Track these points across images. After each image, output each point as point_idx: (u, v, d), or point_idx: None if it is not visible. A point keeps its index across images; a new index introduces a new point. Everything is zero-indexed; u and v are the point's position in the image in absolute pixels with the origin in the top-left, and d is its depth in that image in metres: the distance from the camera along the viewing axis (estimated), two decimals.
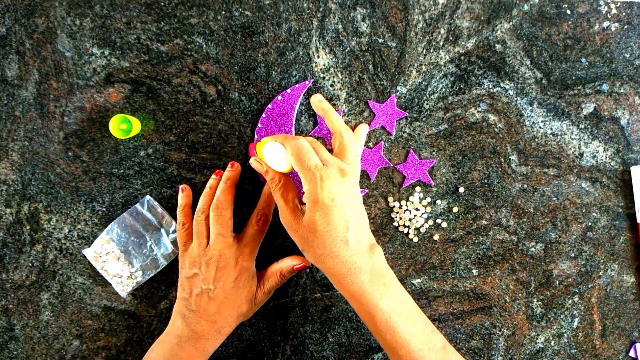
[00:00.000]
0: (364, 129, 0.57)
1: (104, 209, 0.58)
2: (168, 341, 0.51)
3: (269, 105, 0.58)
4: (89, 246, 0.58)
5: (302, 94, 0.58)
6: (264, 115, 0.58)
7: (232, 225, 0.52)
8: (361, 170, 0.59)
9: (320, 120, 0.59)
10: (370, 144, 0.59)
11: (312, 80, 0.58)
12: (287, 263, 0.54)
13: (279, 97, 0.58)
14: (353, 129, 0.59)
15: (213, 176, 0.56)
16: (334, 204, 0.45)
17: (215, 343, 0.51)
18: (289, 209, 0.48)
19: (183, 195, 0.56)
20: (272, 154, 0.49)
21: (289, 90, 0.58)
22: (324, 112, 0.54)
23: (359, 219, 0.47)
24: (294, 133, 0.58)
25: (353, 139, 0.52)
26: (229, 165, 0.55)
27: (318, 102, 0.55)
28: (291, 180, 0.51)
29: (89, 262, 0.58)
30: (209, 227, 0.52)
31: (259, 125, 0.58)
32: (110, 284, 0.58)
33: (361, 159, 0.59)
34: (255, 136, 0.58)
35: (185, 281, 0.52)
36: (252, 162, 0.52)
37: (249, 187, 0.59)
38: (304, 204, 0.48)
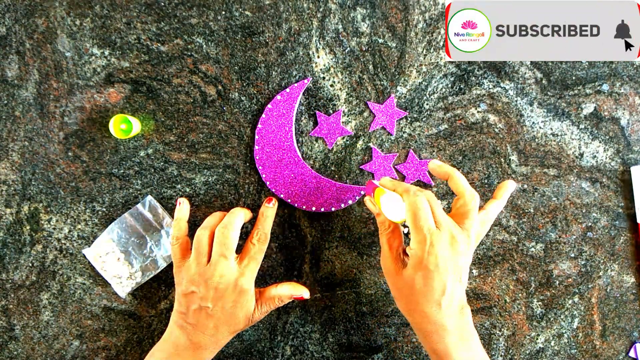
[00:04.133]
0: (508, 188, 0.52)
1: (104, 209, 0.58)
2: (166, 349, 0.51)
3: (269, 105, 0.58)
4: (89, 246, 0.58)
5: (302, 94, 0.58)
6: (264, 115, 0.58)
7: (235, 247, 0.51)
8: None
9: (320, 120, 0.59)
10: (372, 144, 0.59)
11: (311, 79, 0.58)
12: (286, 291, 0.54)
13: (279, 97, 0.58)
14: (353, 128, 0.59)
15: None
16: (437, 270, 0.46)
17: (212, 353, 0.52)
18: (392, 256, 0.49)
19: (180, 209, 0.55)
20: (389, 205, 0.49)
21: (288, 90, 0.58)
22: (447, 174, 0.51)
23: (457, 285, 0.47)
24: (294, 133, 0.58)
25: (476, 207, 0.49)
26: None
27: (438, 167, 0.52)
28: (399, 229, 0.51)
29: (89, 262, 0.58)
30: (211, 245, 0.51)
31: (259, 126, 0.58)
32: (110, 284, 0.58)
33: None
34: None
35: (182, 297, 0.51)
36: (367, 202, 0.53)
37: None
38: (407, 255, 0.48)
